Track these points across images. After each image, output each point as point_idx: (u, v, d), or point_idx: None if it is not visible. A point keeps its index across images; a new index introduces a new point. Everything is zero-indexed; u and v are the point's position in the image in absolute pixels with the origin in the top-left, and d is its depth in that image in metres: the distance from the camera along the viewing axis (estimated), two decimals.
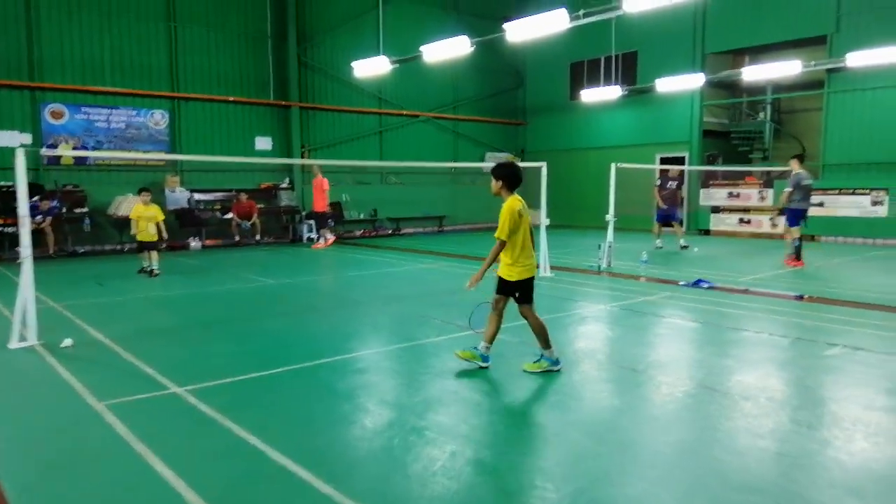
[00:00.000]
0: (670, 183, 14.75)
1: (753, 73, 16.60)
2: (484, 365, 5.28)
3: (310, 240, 16.94)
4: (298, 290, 9.87)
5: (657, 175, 15.52)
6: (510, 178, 5.19)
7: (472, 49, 12.92)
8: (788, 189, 11.53)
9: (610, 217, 11.67)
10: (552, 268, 10.74)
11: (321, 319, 7.59)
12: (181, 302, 8.83)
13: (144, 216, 10.85)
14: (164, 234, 11.20)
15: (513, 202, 5.10)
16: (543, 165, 10.61)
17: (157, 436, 3.94)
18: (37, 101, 14.72)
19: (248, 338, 6.56)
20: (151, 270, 10.89)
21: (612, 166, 11.60)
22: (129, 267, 11.58)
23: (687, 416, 4.37)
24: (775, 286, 9.33)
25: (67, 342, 6.10)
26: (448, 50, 13.06)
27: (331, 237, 16.58)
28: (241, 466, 3.54)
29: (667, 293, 9.00)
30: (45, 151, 7.05)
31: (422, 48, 13.41)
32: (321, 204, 16.10)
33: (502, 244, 5.11)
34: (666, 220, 14.87)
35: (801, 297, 8.50)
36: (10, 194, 13.86)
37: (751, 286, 9.32)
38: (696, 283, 9.59)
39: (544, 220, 10.58)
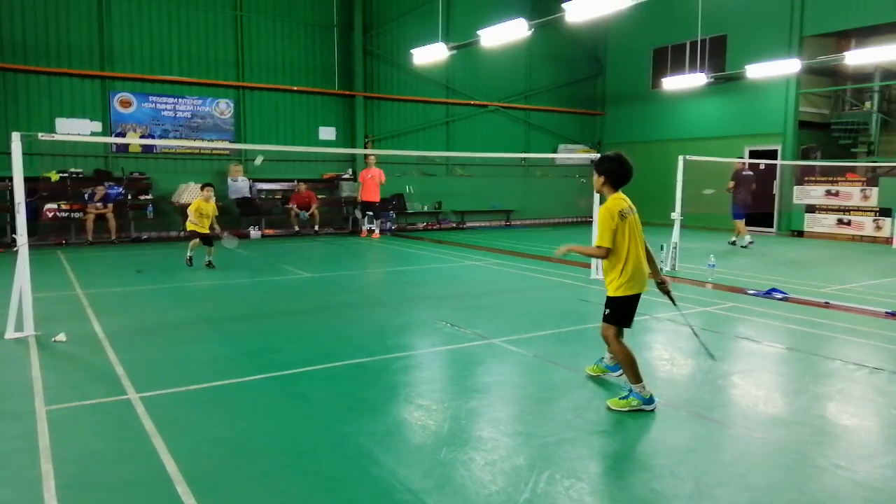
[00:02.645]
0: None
1: (858, 57, 14.72)
2: (648, 408, 4.23)
3: (370, 231, 16.63)
4: (329, 284, 9.42)
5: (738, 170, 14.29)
6: (615, 173, 4.31)
7: (532, 32, 12.03)
8: None
9: (676, 215, 10.57)
10: None
11: (328, 320, 7.05)
12: (204, 294, 8.56)
13: (206, 213, 10.46)
14: (216, 228, 10.83)
15: (614, 202, 4.26)
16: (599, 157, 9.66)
17: (69, 453, 3.50)
18: (106, 89, 15.08)
19: (242, 338, 6.11)
20: (209, 262, 10.51)
21: (680, 159, 10.50)
22: (174, 254, 11.56)
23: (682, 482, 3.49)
24: (863, 300, 8.03)
25: (60, 337, 5.86)
26: (506, 33, 12.23)
27: (371, 229, 16.51)
28: None
29: (730, 303, 7.91)
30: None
31: (478, 32, 12.65)
32: (377, 194, 15.97)
33: (606, 252, 4.23)
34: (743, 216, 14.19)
35: (893, 314, 7.22)
36: (79, 180, 14.39)
37: (833, 299, 8.05)
38: (769, 293, 8.42)
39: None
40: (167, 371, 5.03)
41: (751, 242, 14.08)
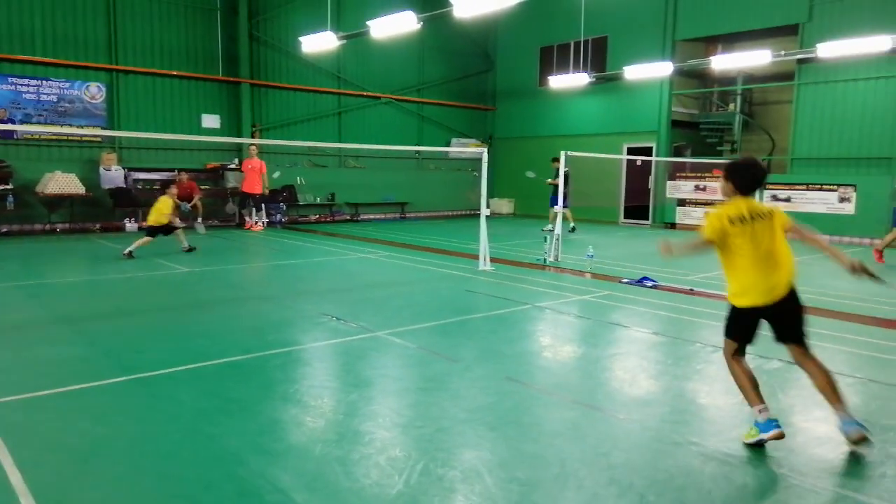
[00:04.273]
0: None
1: (722, 62, 15.88)
2: (766, 436, 3.65)
3: (256, 223, 16.15)
4: (207, 279, 9.03)
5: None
6: (741, 180, 3.89)
7: (423, 26, 12.18)
8: None
9: (559, 208, 10.97)
10: (493, 260, 10.04)
11: (203, 317, 6.75)
12: (65, 292, 7.95)
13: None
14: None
15: (731, 205, 3.88)
16: (484, 151, 9.86)
17: None
18: None
19: (104, 338, 5.71)
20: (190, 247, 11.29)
21: (562, 154, 10.91)
22: (37, 248, 10.69)
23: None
24: (724, 286, 8.64)
25: None
26: (395, 25, 12.20)
27: (255, 221, 16.23)
28: None
29: (606, 291, 8.31)
30: None
31: (368, 23, 12.53)
32: (258, 186, 15.78)
33: (702, 243, 3.91)
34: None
35: None
36: None
37: (697, 286, 8.65)
38: (640, 281, 8.92)
39: (484, 210, 9.87)
40: (16, 375, 4.64)
41: (573, 230, 15.31)
